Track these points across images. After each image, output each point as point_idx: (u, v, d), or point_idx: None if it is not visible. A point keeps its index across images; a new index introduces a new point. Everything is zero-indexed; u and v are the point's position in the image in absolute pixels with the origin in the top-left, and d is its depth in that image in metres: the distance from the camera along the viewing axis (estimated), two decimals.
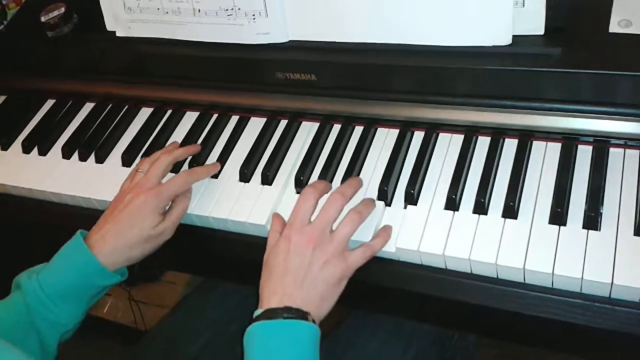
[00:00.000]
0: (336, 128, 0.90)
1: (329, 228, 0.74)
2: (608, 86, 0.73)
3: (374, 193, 0.81)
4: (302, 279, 0.71)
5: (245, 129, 0.95)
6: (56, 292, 0.76)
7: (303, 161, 0.87)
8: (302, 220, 0.74)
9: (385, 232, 0.76)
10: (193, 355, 0.95)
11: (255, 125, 0.95)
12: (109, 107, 1.05)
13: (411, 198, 0.79)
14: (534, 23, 0.76)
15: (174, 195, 0.83)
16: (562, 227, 0.71)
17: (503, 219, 0.74)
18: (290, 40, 0.89)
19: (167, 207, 0.84)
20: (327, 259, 0.72)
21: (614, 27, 0.76)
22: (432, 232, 0.75)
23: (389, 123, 0.88)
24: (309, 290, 0.71)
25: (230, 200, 0.86)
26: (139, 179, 0.83)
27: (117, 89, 1.04)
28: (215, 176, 0.90)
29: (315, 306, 0.70)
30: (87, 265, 0.77)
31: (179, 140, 0.96)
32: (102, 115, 1.04)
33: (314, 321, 0.69)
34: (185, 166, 0.92)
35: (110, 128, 1.01)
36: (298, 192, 0.85)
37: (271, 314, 0.69)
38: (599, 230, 0.70)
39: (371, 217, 0.77)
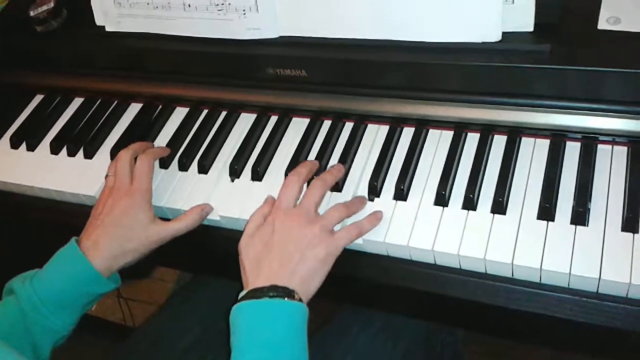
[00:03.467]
0: (326, 124, 0.90)
1: (315, 209, 0.74)
2: (596, 83, 0.74)
3: (364, 189, 0.81)
4: (289, 257, 0.70)
5: (236, 124, 0.95)
6: (51, 298, 0.76)
7: (293, 157, 0.87)
8: (287, 204, 0.75)
9: (374, 216, 0.76)
10: (182, 351, 0.95)
11: (246, 121, 0.95)
12: (98, 102, 1.05)
13: (401, 194, 0.79)
14: (524, 20, 0.76)
15: (150, 183, 0.83)
16: (550, 223, 0.72)
17: (492, 214, 0.74)
18: (280, 36, 0.89)
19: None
20: (313, 236, 0.71)
21: (603, 24, 0.76)
22: (422, 228, 0.75)
23: (379, 119, 0.88)
24: (295, 267, 0.70)
25: (221, 197, 0.86)
26: (112, 182, 0.83)
27: (106, 84, 1.04)
28: (205, 172, 0.90)
29: (302, 284, 0.70)
30: (83, 273, 0.77)
31: (169, 136, 0.96)
32: (91, 111, 1.04)
33: (301, 300, 0.69)
34: (175, 162, 0.92)
35: (99, 123, 1.01)
36: None
37: (257, 293, 0.68)
38: (587, 225, 0.71)
39: (362, 212, 0.78)
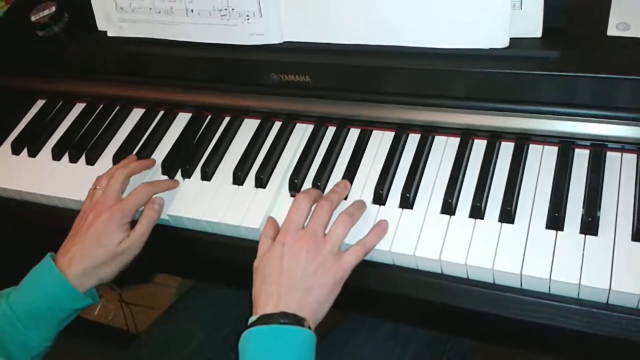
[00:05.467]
0: (331, 130, 0.89)
1: (322, 231, 0.74)
2: (606, 90, 0.73)
3: (369, 196, 0.80)
4: (297, 284, 0.70)
5: (239, 130, 0.94)
6: (27, 314, 0.76)
7: (297, 164, 0.86)
8: (296, 225, 0.74)
9: (378, 228, 0.75)
10: (187, 357, 0.94)
11: (249, 126, 0.94)
12: (100, 107, 1.04)
13: (407, 202, 0.78)
14: (532, 25, 0.75)
15: (135, 209, 0.83)
16: (559, 232, 0.71)
17: (500, 223, 0.73)
18: (284, 42, 0.88)
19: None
20: (321, 262, 0.71)
21: (612, 30, 0.75)
22: (428, 237, 0.74)
23: (384, 125, 0.87)
24: (304, 295, 0.70)
25: (224, 204, 0.85)
26: (98, 196, 0.83)
27: (108, 90, 1.03)
28: (208, 179, 0.89)
29: (311, 311, 0.70)
30: (58, 288, 0.77)
31: (171, 142, 0.95)
32: (93, 116, 1.03)
33: (309, 327, 0.69)
34: (179, 175, 0.91)
35: (102, 129, 1.00)
36: (292, 195, 0.84)
37: (267, 319, 0.68)
38: (597, 235, 0.70)
39: (367, 221, 0.77)
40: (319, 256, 0.71)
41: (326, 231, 0.74)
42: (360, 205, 0.78)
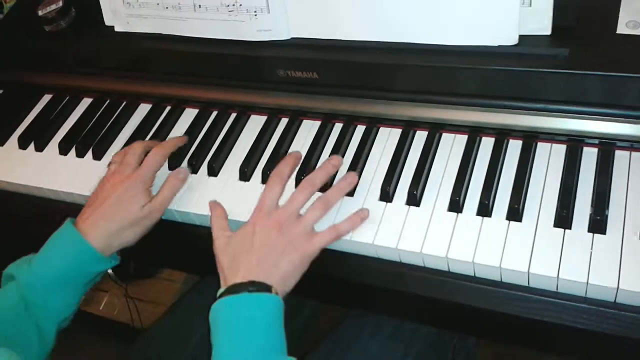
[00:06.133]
0: (338, 127, 0.89)
1: (296, 213, 0.75)
2: (615, 88, 0.72)
3: (376, 193, 0.80)
4: (265, 258, 0.72)
5: (246, 127, 0.94)
6: (52, 280, 0.76)
7: (304, 160, 0.86)
8: (269, 207, 0.76)
9: (355, 216, 0.76)
10: (191, 352, 0.94)
11: (256, 123, 0.93)
12: (107, 102, 1.04)
13: (414, 199, 0.78)
14: (541, 23, 0.75)
15: (153, 174, 0.84)
16: (567, 231, 0.70)
17: (507, 221, 0.73)
18: (292, 38, 0.87)
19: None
20: (290, 240, 0.73)
21: (622, 28, 0.75)
22: (435, 234, 0.74)
23: (391, 122, 0.86)
24: (272, 267, 0.72)
25: (230, 199, 0.84)
26: (114, 170, 0.84)
27: (115, 85, 1.03)
28: (215, 175, 0.89)
29: (277, 282, 0.71)
30: (81, 252, 0.77)
31: None
32: (100, 111, 1.03)
33: (277, 294, 0.70)
34: (184, 164, 0.91)
35: (108, 124, 1.00)
36: None
37: (235, 288, 0.70)
38: (605, 234, 0.69)
39: (373, 217, 0.77)
40: (289, 235, 0.73)
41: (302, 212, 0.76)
42: (342, 187, 0.79)
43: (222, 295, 0.70)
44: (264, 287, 0.70)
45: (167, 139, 0.93)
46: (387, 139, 0.86)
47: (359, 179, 0.82)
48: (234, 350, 0.67)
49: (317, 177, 0.79)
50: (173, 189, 0.84)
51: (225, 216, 0.80)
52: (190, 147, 0.93)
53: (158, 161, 0.85)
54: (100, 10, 0.98)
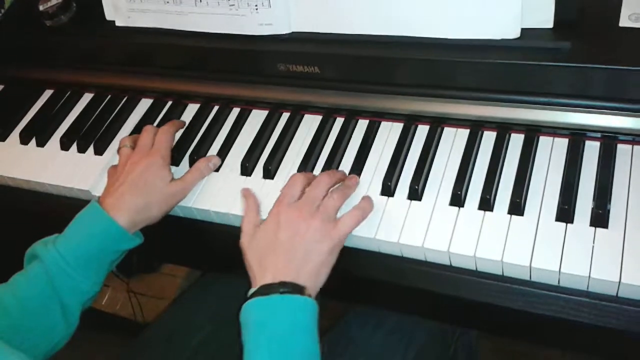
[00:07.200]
0: (339, 121, 0.89)
1: (317, 202, 0.74)
2: (617, 81, 0.72)
3: (377, 188, 0.80)
4: (294, 252, 0.70)
5: (247, 121, 0.94)
6: (77, 259, 0.76)
7: (305, 155, 0.86)
8: (290, 199, 0.75)
9: (369, 198, 0.77)
10: (194, 348, 0.94)
11: (257, 117, 0.93)
12: (108, 97, 1.04)
13: (415, 193, 0.77)
14: (543, 16, 0.74)
15: (169, 150, 0.86)
16: (569, 225, 0.70)
17: (509, 215, 0.73)
18: (293, 32, 0.87)
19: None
20: (316, 228, 0.71)
21: (625, 21, 0.74)
22: (437, 229, 0.74)
23: (393, 116, 0.86)
24: (301, 263, 0.70)
25: (232, 195, 0.84)
26: (128, 152, 0.85)
27: (116, 80, 1.03)
28: (217, 169, 0.89)
29: (309, 278, 0.70)
30: (108, 230, 0.77)
31: (179, 133, 0.94)
32: (101, 106, 1.03)
33: (310, 295, 0.69)
34: (186, 158, 0.91)
35: (110, 119, 1.00)
36: None
37: (266, 289, 0.68)
38: (607, 227, 0.69)
39: (375, 212, 0.77)
40: (314, 223, 0.72)
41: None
42: (353, 180, 0.79)
43: (252, 295, 0.69)
44: (296, 289, 0.68)
45: (170, 122, 0.93)
46: (388, 133, 0.86)
47: (360, 173, 0.82)
48: (265, 354, 0.65)
49: (336, 172, 0.80)
50: (201, 174, 0.86)
51: (257, 209, 0.78)
52: (192, 142, 0.93)
53: (169, 139, 0.87)
54: (101, 5, 0.98)
